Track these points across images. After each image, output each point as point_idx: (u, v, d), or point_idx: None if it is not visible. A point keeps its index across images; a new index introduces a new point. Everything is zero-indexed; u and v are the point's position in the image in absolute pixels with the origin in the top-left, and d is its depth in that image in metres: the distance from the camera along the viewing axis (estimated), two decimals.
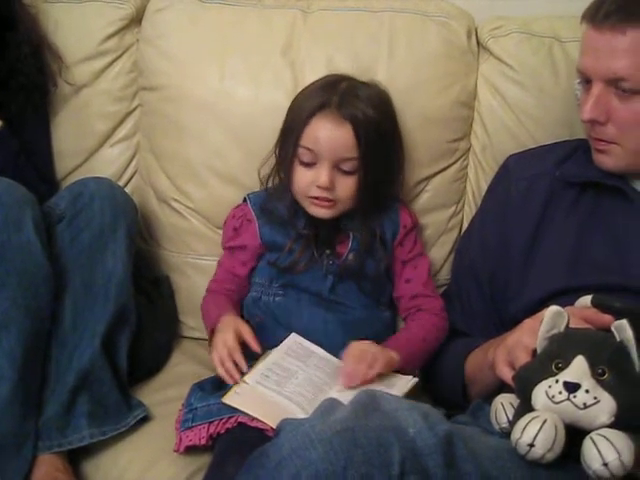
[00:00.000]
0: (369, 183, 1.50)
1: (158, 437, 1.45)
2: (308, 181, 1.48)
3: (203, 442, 1.35)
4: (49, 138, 1.76)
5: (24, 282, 1.37)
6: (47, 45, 1.71)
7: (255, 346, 1.43)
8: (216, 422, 1.35)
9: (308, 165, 1.48)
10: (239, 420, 1.34)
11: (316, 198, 1.49)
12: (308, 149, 1.47)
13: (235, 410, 1.34)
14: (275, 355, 1.43)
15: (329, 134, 1.45)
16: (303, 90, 1.57)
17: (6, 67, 1.63)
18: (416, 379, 1.42)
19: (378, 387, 1.36)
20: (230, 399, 1.36)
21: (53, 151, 1.77)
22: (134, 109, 1.79)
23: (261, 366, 1.41)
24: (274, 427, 1.18)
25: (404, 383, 1.41)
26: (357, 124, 1.45)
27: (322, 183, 1.46)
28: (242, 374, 1.40)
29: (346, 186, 1.49)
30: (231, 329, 1.44)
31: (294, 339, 1.47)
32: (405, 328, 1.57)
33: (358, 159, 1.47)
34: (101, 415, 1.44)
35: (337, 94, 1.47)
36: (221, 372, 1.41)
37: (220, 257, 1.64)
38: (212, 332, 1.49)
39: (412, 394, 1.41)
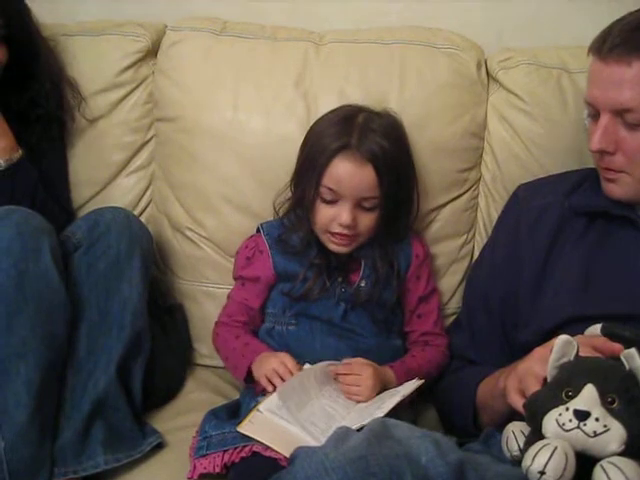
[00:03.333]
0: (389, 217, 1.52)
1: (172, 464, 1.46)
2: (330, 218, 1.50)
3: (217, 470, 1.36)
4: (66, 168, 1.79)
5: (42, 310, 1.38)
6: (67, 80, 1.74)
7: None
8: (230, 451, 1.36)
9: (330, 202, 1.50)
10: (253, 449, 1.34)
11: (336, 234, 1.51)
12: (330, 189, 1.48)
13: (250, 439, 1.35)
14: (290, 384, 1.43)
15: (351, 176, 1.47)
16: (318, 124, 1.58)
17: (27, 99, 1.67)
18: (421, 381, 1.43)
19: (383, 396, 1.40)
20: (245, 428, 1.36)
21: (69, 180, 1.79)
22: (149, 139, 1.81)
23: (276, 395, 1.41)
24: (288, 456, 1.19)
25: (408, 385, 1.42)
26: (378, 163, 1.47)
27: (344, 221, 1.48)
28: (256, 402, 1.42)
29: (367, 222, 1.51)
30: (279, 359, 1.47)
31: (309, 369, 1.48)
32: (412, 356, 1.58)
33: (379, 197, 1.49)
34: (116, 442, 1.45)
35: (355, 132, 1.48)
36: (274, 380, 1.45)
37: (231, 290, 1.65)
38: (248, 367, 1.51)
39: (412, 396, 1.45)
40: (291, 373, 1.43)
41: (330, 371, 1.46)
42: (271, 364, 1.46)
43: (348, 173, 1.47)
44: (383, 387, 1.46)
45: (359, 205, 1.49)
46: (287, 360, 1.46)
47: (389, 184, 1.48)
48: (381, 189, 1.48)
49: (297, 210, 1.58)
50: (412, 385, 1.42)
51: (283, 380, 1.43)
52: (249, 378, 1.51)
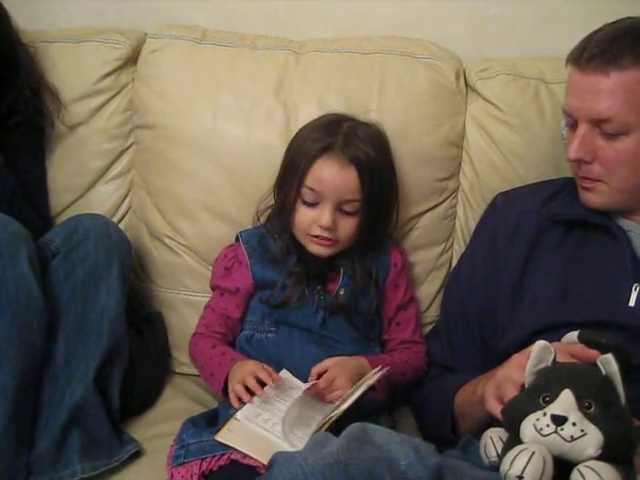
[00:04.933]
0: (369, 223, 1.53)
1: (149, 473, 1.45)
2: (310, 220, 1.50)
3: (195, 479, 1.35)
4: (44, 174, 1.78)
5: (18, 317, 1.37)
6: (46, 86, 1.74)
7: (273, 377, 1.43)
8: (208, 459, 1.35)
9: (311, 205, 1.50)
10: (231, 457, 1.34)
11: (317, 237, 1.51)
12: (312, 189, 1.49)
13: (228, 447, 1.35)
14: (266, 393, 1.43)
15: (334, 177, 1.48)
16: (303, 129, 1.58)
17: (5, 105, 1.66)
18: (386, 367, 1.42)
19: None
20: (223, 436, 1.36)
21: (48, 187, 1.78)
22: (129, 147, 1.81)
23: (253, 404, 1.41)
24: (266, 464, 1.19)
25: (371, 375, 1.41)
26: (361, 167, 1.48)
27: (324, 224, 1.48)
28: (234, 411, 1.41)
29: (347, 226, 1.51)
30: (247, 368, 1.45)
31: (285, 377, 1.48)
32: (389, 355, 1.58)
33: (361, 201, 1.49)
34: (93, 450, 1.44)
35: (340, 135, 1.50)
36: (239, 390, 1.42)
37: (209, 300, 1.64)
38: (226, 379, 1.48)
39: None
40: (261, 385, 1.42)
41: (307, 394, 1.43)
42: (239, 377, 1.44)
43: (331, 174, 1.48)
44: (359, 376, 1.44)
45: (340, 209, 1.50)
46: (257, 370, 1.44)
47: (371, 189, 1.49)
48: (363, 193, 1.49)
49: (279, 216, 1.58)
50: (375, 375, 1.40)
51: (251, 394, 1.41)
52: (226, 389, 1.49)
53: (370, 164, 1.49)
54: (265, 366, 1.45)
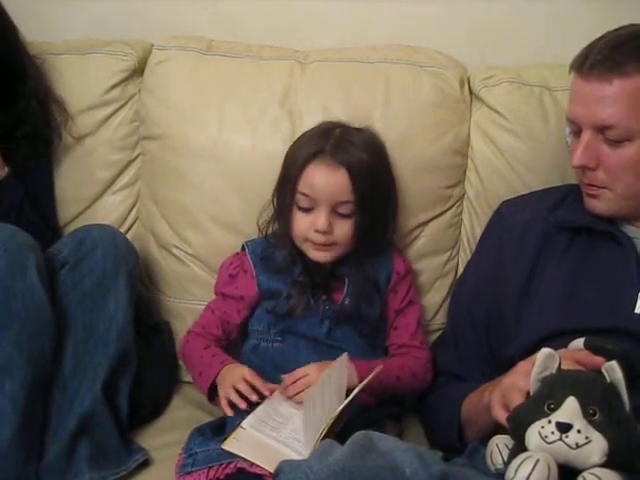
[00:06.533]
0: (365, 226, 1.53)
1: None
2: (307, 225, 1.51)
3: None
4: (52, 185, 1.79)
5: (27, 327, 1.39)
6: (53, 98, 1.75)
7: (265, 390, 1.45)
8: (215, 467, 1.36)
9: (306, 210, 1.51)
10: (238, 466, 1.34)
11: (315, 242, 1.51)
12: (305, 195, 1.50)
13: (234, 456, 1.35)
14: (272, 401, 1.44)
15: (325, 179, 1.49)
16: (299, 139, 1.60)
17: (12, 117, 1.68)
18: (379, 367, 1.40)
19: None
20: (229, 445, 1.36)
21: (56, 198, 1.79)
22: (136, 157, 1.82)
23: (258, 412, 1.42)
24: (272, 472, 1.20)
25: (341, 361, 1.38)
26: (351, 168, 1.49)
27: (320, 227, 1.49)
28: (240, 420, 1.42)
29: (344, 229, 1.52)
30: (239, 372, 1.47)
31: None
32: (382, 360, 1.55)
33: (354, 202, 1.50)
34: (101, 459, 1.45)
35: (331, 140, 1.51)
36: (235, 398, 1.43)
37: (211, 301, 1.65)
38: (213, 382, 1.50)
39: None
40: (253, 389, 1.43)
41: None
42: (230, 381, 1.45)
43: (322, 178, 1.49)
44: None
45: (335, 211, 1.51)
46: (251, 376, 1.45)
47: (364, 190, 1.50)
48: (355, 194, 1.49)
49: (278, 223, 1.59)
50: (344, 360, 1.38)
51: (245, 399, 1.42)
52: (212, 393, 1.51)
53: (361, 165, 1.50)
54: (249, 376, 1.46)
